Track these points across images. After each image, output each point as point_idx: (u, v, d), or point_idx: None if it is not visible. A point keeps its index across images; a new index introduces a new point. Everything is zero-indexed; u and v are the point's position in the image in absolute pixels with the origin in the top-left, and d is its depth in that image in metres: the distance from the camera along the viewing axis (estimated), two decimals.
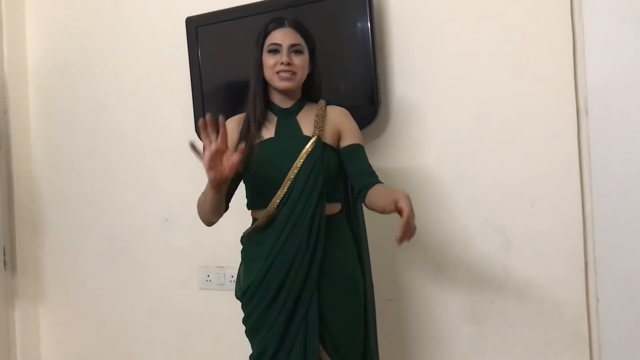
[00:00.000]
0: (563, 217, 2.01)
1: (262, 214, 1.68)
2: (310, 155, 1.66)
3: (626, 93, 1.92)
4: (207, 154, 1.46)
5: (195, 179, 2.54)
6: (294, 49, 1.69)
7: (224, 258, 2.50)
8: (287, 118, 1.74)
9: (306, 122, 1.73)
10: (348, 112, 1.79)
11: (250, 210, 1.81)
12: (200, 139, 1.51)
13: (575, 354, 2.01)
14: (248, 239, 1.78)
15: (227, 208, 1.74)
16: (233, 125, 1.77)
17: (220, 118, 1.46)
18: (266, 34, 1.72)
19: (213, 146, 1.46)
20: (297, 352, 1.64)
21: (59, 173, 2.95)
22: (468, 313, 2.14)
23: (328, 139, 1.72)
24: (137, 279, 2.77)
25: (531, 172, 2.04)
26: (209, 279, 2.58)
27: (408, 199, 1.43)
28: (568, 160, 2.00)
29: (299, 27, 1.72)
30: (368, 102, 2.14)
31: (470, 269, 2.14)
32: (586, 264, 1.99)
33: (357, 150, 1.74)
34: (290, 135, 1.71)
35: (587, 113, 1.97)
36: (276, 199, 1.65)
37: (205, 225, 1.76)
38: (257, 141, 1.71)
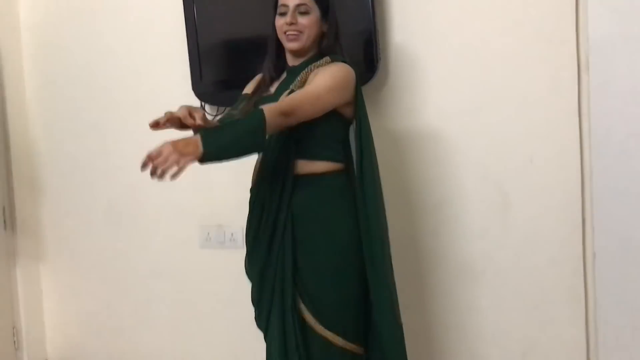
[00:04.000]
0: (561, 173, 2.02)
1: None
2: (275, 94, 1.73)
3: (627, 50, 1.91)
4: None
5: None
6: (300, 10, 1.71)
7: (224, 216, 2.50)
8: (292, 75, 1.77)
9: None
10: (340, 68, 1.73)
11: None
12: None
13: (571, 310, 2.04)
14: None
15: None
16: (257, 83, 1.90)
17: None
18: None
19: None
20: (274, 294, 1.73)
21: (56, 131, 2.92)
22: (466, 269, 2.17)
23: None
24: (137, 237, 2.77)
25: (531, 127, 2.04)
26: (209, 237, 2.59)
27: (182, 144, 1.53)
28: (568, 116, 2.00)
29: None
30: (367, 57, 2.12)
31: (468, 226, 2.16)
32: (584, 220, 2.01)
33: (300, 91, 1.69)
34: (282, 90, 1.75)
35: (588, 69, 1.95)
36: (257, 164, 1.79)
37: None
38: (263, 95, 1.81)
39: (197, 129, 1.62)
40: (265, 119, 1.53)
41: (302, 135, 1.70)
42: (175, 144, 1.50)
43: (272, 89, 1.82)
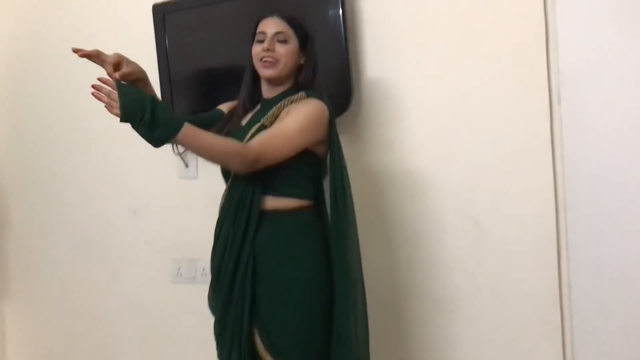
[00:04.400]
0: (536, 205, 2.01)
1: None
2: (248, 141, 1.64)
3: (598, 81, 1.92)
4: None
5: (164, 170, 2.51)
6: (279, 38, 1.69)
7: (195, 250, 2.45)
8: (265, 108, 1.73)
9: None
10: (314, 106, 1.68)
11: None
12: None
13: (548, 342, 2.02)
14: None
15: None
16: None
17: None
18: (257, 24, 1.74)
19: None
20: (232, 338, 1.66)
21: (23, 163, 2.87)
22: (442, 302, 2.14)
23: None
24: (107, 272, 2.71)
25: (504, 160, 2.04)
26: (179, 272, 2.54)
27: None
28: (541, 148, 2.00)
29: (287, 17, 1.72)
30: (341, 90, 2.11)
31: (444, 258, 2.14)
32: (559, 252, 2.00)
33: (273, 128, 1.65)
34: (253, 123, 1.71)
35: (560, 101, 1.96)
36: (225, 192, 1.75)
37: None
38: (234, 126, 1.78)
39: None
40: (182, 131, 1.52)
41: (269, 172, 1.64)
42: (113, 93, 1.54)
43: (244, 121, 1.78)
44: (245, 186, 1.67)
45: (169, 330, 2.58)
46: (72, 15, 2.74)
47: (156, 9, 2.40)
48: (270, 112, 1.68)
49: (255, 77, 1.78)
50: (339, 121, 2.11)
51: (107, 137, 2.66)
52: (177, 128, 1.51)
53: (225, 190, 1.75)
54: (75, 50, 1.60)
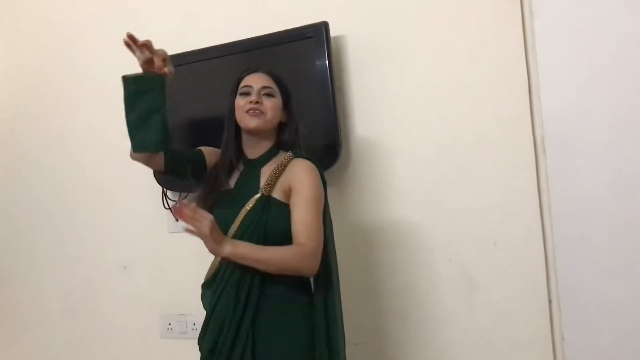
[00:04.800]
0: (525, 255, 2.01)
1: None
2: (250, 212, 1.61)
3: (582, 130, 1.95)
4: (140, 62, 1.59)
5: (154, 224, 2.51)
6: (265, 92, 1.70)
7: (185, 305, 2.43)
8: (252, 169, 1.72)
9: (267, 173, 1.68)
10: (311, 166, 1.68)
11: None
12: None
13: None
14: (202, 288, 1.76)
15: (165, 168, 1.71)
16: (215, 152, 1.81)
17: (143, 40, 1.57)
18: (240, 79, 1.75)
19: (145, 55, 1.57)
20: None
21: (12, 220, 2.86)
22: (435, 355, 2.12)
23: (279, 193, 1.65)
24: (96, 329, 2.67)
25: (492, 211, 2.05)
26: (170, 327, 2.51)
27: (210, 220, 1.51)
28: (528, 198, 2.01)
29: (272, 74, 1.75)
30: (329, 143, 2.13)
31: (436, 310, 2.12)
32: (550, 301, 1.99)
33: (299, 209, 1.62)
34: (246, 189, 1.67)
35: (545, 151, 1.99)
36: (215, 260, 1.66)
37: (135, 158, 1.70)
38: (221, 189, 1.71)
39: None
40: (236, 252, 1.54)
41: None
42: (212, 228, 1.51)
43: (232, 182, 1.73)
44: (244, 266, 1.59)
45: None
46: (68, 67, 2.79)
47: None
48: (266, 181, 1.64)
49: (237, 133, 1.76)
50: (327, 174, 2.13)
51: (98, 193, 2.67)
52: (150, 147, 1.60)
53: (218, 259, 1.65)
54: (130, 36, 1.56)
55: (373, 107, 2.21)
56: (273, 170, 1.66)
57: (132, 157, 1.68)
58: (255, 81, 1.71)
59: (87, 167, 2.70)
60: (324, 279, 1.68)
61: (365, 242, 2.20)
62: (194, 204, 1.55)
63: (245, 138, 1.75)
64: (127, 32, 1.55)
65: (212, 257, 1.73)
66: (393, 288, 2.17)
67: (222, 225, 1.60)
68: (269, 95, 1.70)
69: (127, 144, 2.56)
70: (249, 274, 1.59)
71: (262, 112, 1.67)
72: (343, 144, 2.18)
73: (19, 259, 2.83)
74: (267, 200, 1.63)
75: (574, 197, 1.96)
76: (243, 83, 1.72)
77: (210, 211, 1.62)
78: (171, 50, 2.38)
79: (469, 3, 2.10)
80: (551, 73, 2.00)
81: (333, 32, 2.16)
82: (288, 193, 1.65)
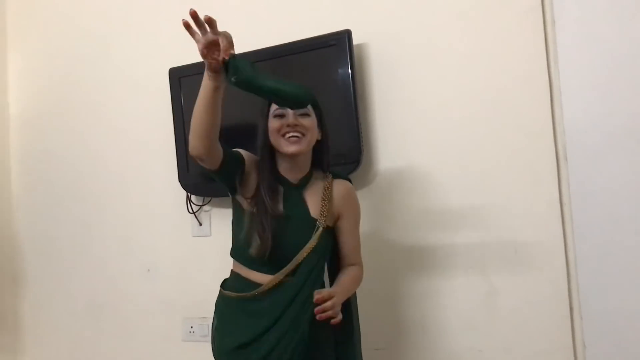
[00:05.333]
0: (546, 262, 2.01)
1: (265, 279, 1.64)
2: (316, 247, 1.64)
3: (604, 138, 1.95)
4: (201, 46, 1.41)
5: (178, 228, 2.55)
6: (300, 112, 1.63)
7: (207, 309, 2.43)
8: (295, 192, 1.69)
9: (312, 197, 1.69)
10: (353, 189, 1.78)
11: (233, 260, 1.77)
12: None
13: None
14: (229, 302, 1.73)
15: (220, 165, 1.59)
16: (252, 161, 1.72)
17: (206, 16, 1.38)
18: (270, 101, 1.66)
19: (208, 37, 1.40)
20: None
21: (40, 224, 2.92)
22: None
23: (330, 220, 1.69)
24: (119, 331, 2.71)
25: (513, 219, 2.05)
26: (192, 330, 2.54)
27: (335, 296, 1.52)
28: (549, 206, 2.01)
29: None
30: (351, 151, 2.15)
31: (457, 317, 2.12)
32: (571, 309, 1.99)
33: (351, 234, 1.76)
34: (297, 216, 1.66)
35: (567, 159, 1.99)
36: (276, 278, 1.62)
37: (194, 156, 1.55)
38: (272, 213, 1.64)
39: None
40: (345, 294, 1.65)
41: (321, 267, 1.71)
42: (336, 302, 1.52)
43: (275, 204, 1.65)
44: (312, 282, 1.64)
45: None
46: (90, 77, 2.84)
47: (172, 72, 2.49)
48: (320, 208, 1.67)
49: (272, 155, 1.69)
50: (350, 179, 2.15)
51: (122, 198, 2.72)
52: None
53: (296, 285, 1.63)
54: (193, 13, 1.37)
55: (395, 115, 2.23)
56: (323, 197, 1.69)
57: (197, 147, 1.53)
58: None
59: (113, 171, 2.75)
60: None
61: (385, 249, 2.21)
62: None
63: (281, 159, 1.69)
64: (191, 9, 1.37)
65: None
66: (413, 294, 2.18)
67: (282, 248, 1.62)
68: (305, 115, 1.64)
69: (153, 148, 2.63)
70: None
71: (301, 135, 1.62)
72: (364, 151, 2.20)
73: (46, 262, 2.89)
74: (326, 232, 1.67)
75: (595, 204, 1.95)
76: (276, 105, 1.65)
77: (274, 237, 1.60)
78: (194, 58, 2.43)
79: (490, 12, 2.11)
80: (573, 81, 2.00)
81: (356, 40, 2.19)
82: (336, 218, 1.72)
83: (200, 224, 2.51)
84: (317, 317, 1.49)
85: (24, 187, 2.97)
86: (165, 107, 2.52)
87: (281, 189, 1.68)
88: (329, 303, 1.49)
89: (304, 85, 1.52)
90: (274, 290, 1.62)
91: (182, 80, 2.47)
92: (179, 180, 2.48)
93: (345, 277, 1.70)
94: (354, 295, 1.83)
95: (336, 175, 1.76)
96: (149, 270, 2.65)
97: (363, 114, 2.24)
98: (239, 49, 2.32)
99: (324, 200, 1.68)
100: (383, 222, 2.22)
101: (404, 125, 2.22)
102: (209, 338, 2.42)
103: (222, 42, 1.40)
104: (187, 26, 1.40)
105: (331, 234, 1.72)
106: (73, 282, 2.81)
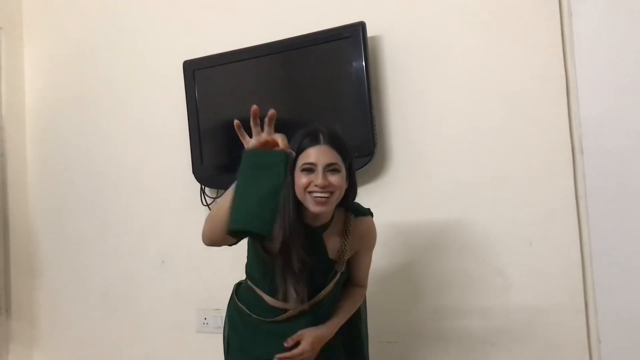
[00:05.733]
0: (562, 256, 2.00)
1: (281, 305, 1.65)
2: (332, 290, 1.66)
3: (620, 131, 1.94)
4: (256, 142, 1.31)
5: (192, 220, 2.56)
6: (330, 168, 1.53)
7: (221, 300, 2.45)
8: (314, 234, 1.62)
9: (332, 238, 1.66)
10: (373, 225, 1.74)
11: (248, 278, 1.78)
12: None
13: None
14: (246, 320, 1.74)
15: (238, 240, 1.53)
16: None
17: (271, 111, 1.30)
18: (300, 150, 1.54)
19: (264, 136, 1.30)
20: None
21: (55, 216, 2.95)
22: (469, 355, 2.11)
23: (348, 256, 1.70)
24: (134, 322, 2.74)
25: (528, 211, 2.04)
26: (206, 321, 2.55)
27: (310, 341, 1.59)
28: (565, 199, 2.00)
29: (336, 143, 1.55)
30: (364, 143, 2.15)
31: (470, 310, 2.12)
32: (586, 304, 1.98)
33: (364, 263, 1.78)
34: (317, 259, 1.62)
35: (582, 152, 1.97)
36: (289, 313, 1.64)
37: (205, 243, 1.56)
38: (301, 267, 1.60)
39: None
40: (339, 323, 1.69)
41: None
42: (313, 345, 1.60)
43: (305, 257, 1.59)
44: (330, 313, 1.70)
45: None
46: (104, 70, 2.86)
47: (187, 65, 2.50)
48: (338, 252, 1.66)
49: (297, 206, 1.58)
50: (363, 172, 2.15)
51: (136, 190, 2.74)
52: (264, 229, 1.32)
53: (313, 320, 1.66)
54: (255, 110, 1.30)
55: (408, 107, 2.22)
56: (343, 239, 1.66)
57: (212, 238, 1.52)
58: (319, 157, 1.52)
59: (127, 164, 2.77)
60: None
61: (399, 241, 2.21)
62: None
63: (304, 210, 1.58)
64: (254, 107, 1.30)
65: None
66: (427, 287, 2.17)
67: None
68: (334, 170, 1.53)
69: (167, 141, 2.64)
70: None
71: (329, 194, 1.52)
72: (378, 143, 2.20)
73: (61, 253, 2.92)
74: (343, 274, 1.69)
75: (611, 198, 1.94)
76: (304, 158, 1.53)
77: (305, 277, 1.59)
78: (208, 51, 2.46)
79: (506, 4, 2.09)
80: (589, 74, 1.98)
81: (370, 32, 2.18)
82: (354, 252, 1.71)
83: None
84: None
85: (40, 179, 3.00)
86: (180, 99, 2.53)
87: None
88: (296, 351, 1.57)
89: (265, 213, 1.29)
90: (293, 319, 1.65)
91: (196, 73, 2.47)
92: (193, 173, 2.49)
93: (345, 303, 1.73)
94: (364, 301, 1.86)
95: (357, 211, 1.71)
96: (163, 262, 2.66)
97: (377, 107, 2.23)
98: (253, 41, 2.36)
99: (344, 240, 1.66)
100: (396, 215, 2.22)
101: (417, 118, 2.21)
102: (222, 330, 2.46)
103: (282, 142, 1.30)
104: (238, 127, 1.34)
105: (347, 269, 1.73)
106: (88, 273, 2.84)
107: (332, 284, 1.65)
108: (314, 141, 1.54)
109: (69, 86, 2.95)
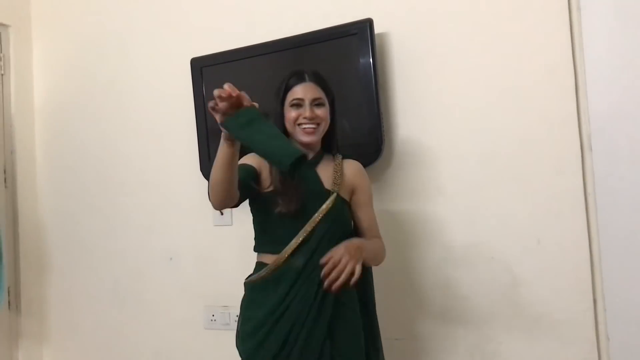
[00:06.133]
0: (570, 253, 1.99)
1: (273, 259, 1.68)
2: (330, 211, 1.69)
3: (629, 128, 1.92)
4: (224, 109, 1.43)
5: (200, 217, 2.57)
6: (316, 102, 1.74)
7: (229, 297, 2.48)
8: (308, 169, 1.74)
9: (325, 174, 1.76)
10: (362, 168, 1.86)
11: (256, 254, 1.80)
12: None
13: None
14: (253, 287, 1.76)
15: (238, 201, 1.66)
16: (257, 160, 1.74)
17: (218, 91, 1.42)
18: (287, 88, 1.75)
19: (224, 105, 1.42)
20: None
21: (64, 213, 2.96)
22: (476, 353, 2.11)
23: (344, 193, 1.77)
24: (142, 318, 2.75)
25: (537, 208, 2.03)
26: (213, 318, 2.56)
27: (344, 248, 1.54)
28: (573, 196, 1.99)
29: (320, 81, 1.77)
30: (372, 140, 2.15)
31: (478, 307, 2.11)
32: (595, 301, 1.97)
33: (366, 207, 1.82)
34: (312, 187, 1.73)
35: (591, 149, 1.96)
36: (289, 248, 1.66)
37: (215, 207, 1.65)
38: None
39: None
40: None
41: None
42: (348, 248, 1.55)
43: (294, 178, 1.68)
44: (326, 247, 1.63)
45: None
46: (113, 68, 2.87)
47: (194, 62, 2.50)
48: (333, 180, 1.74)
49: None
50: (370, 169, 2.15)
51: (144, 187, 2.75)
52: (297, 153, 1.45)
53: (306, 252, 1.67)
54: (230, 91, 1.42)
55: (416, 104, 2.21)
56: (334, 171, 1.77)
57: (219, 203, 1.62)
58: (306, 93, 1.73)
59: (135, 161, 2.78)
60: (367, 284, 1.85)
61: (406, 238, 2.21)
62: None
63: (295, 143, 1.75)
64: (228, 85, 1.42)
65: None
66: (434, 284, 2.17)
67: (295, 220, 1.67)
68: (319, 104, 1.74)
69: (175, 138, 2.65)
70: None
71: (316, 126, 1.73)
72: (386, 141, 2.19)
73: (71, 249, 2.93)
74: (341, 199, 1.75)
75: (620, 195, 1.93)
76: (293, 94, 1.74)
77: (299, 198, 1.67)
78: (216, 48, 2.46)
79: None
80: (599, 70, 1.97)
81: (377, 29, 2.17)
82: (350, 192, 1.80)
83: (222, 213, 2.52)
84: (326, 287, 1.51)
85: (49, 176, 3.02)
86: (187, 97, 2.53)
87: None
88: (338, 266, 1.50)
89: (290, 145, 1.47)
90: (292, 258, 1.66)
91: (204, 70, 2.48)
92: (201, 170, 2.50)
93: (368, 241, 1.73)
94: (372, 289, 1.87)
95: (344, 156, 1.85)
96: (171, 258, 2.67)
97: (384, 103, 2.23)
98: (261, 39, 2.36)
99: (336, 173, 1.76)
100: (404, 211, 2.22)
101: (425, 114, 2.20)
102: (231, 326, 2.48)
103: (245, 100, 1.43)
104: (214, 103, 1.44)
105: (346, 206, 1.77)
106: (97, 269, 2.86)
107: (329, 201, 1.70)
108: (300, 79, 1.75)
109: (78, 84, 2.96)
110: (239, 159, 1.62)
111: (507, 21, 2.09)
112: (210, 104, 1.45)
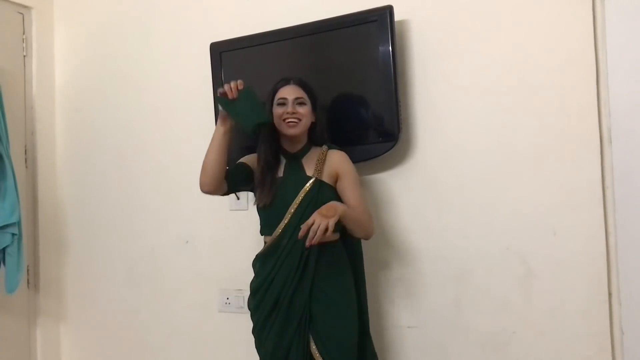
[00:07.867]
0: (586, 246, 1.98)
1: (269, 239, 1.97)
2: (308, 193, 1.93)
3: None
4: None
5: (216, 202, 2.58)
6: (298, 101, 1.99)
7: (243, 281, 2.47)
8: (294, 161, 2.03)
9: (309, 164, 2.00)
10: (346, 155, 2.03)
11: (262, 236, 2.04)
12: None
13: None
14: (257, 260, 2.06)
15: (227, 191, 2.02)
16: (253, 158, 2.07)
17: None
18: (275, 90, 2.03)
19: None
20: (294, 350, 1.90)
21: (83, 194, 3.00)
22: (488, 343, 2.11)
23: (327, 178, 1.98)
24: (158, 300, 2.78)
25: (554, 200, 2.02)
26: (228, 301, 2.59)
27: (317, 212, 1.77)
28: (591, 189, 1.98)
29: (302, 84, 2.03)
30: (389, 127, 2.15)
31: (491, 297, 2.11)
32: (610, 294, 1.96)
33: (351, 189, 1.97)
34: (295, 175, 1.99)
35: (611, 142, 1.95)
36: (278, 229, 1.94)
37: (204, 192, 1.98)
38: (274, 177, 2.01)
39: None
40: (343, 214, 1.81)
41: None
42: (321, 211, 1.77)
43: (279, 172, 2.02)
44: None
45: (216, 358, 2.63)
46: (133, 51, 2.88)
47: (213, 47, 2.51)
48: (315, 167, 1.98)
49: (274, 135, 2.03)
50: (387, 157, 2.15)
51: (162, 171, 2.77)
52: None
53: (289, 231, 1.93)
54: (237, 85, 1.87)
55: (435, 92, 2.21)
56: (317, 160, 1.99)
57: (206, 184, 1.96)
58: (289, 93, 1.99)
59: (153, 145, 2.80)
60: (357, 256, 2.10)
61: (421, 227, 2.21)
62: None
63: (283, 138, 2.04)
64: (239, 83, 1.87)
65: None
66: (448, 273, 2.17)
67: (283, 205, 1.94)
68: (302, 103, 2.00)
69: (192, 122, 2.66)
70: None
71: (298, 120, 1.97)
72: (403, 128, 2.19)
73: (88, 231, 2.97)
74: (319, 183, 1.96)
75: (638, 189, 1.91)
76: (278, 95, 2.01)
77: (270, 192, 1.97)
78: (235, 34, 2.46)
79: None
80: (620, 61, 1.95)
81: (397, 16, 2.16)
82: (334, 177, 1.99)
83: (238, 198, 2.54)
84: (307, 244, 1.72)
85: (69, 157, 3.05)
86: (206, 81, 2.54)
87: (283, 159, 2.04)
88: (312, 226, 1.70)
89: (263, 115, 1.88)
90: (279, 237, 1.94)
91: (223, 55, 2.48)
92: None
93: (349, 208, 1.89)
94: (361, 262, 2.09)
95: (331, 147, 2.05)
96: (187, 242, 2.70)
97: (402, 91, 2.22)
98: (280, 24, 2.35)
99: (318, 160, 1.99)
100: (419, 199, 2.22)
101: (443, 103, 2.20)
102: (244, 310, 2.49)
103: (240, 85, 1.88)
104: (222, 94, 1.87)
105: (329, 189, 1.97)
106: (114, 251, 2.89)
107: (308, 184, 1.93)
108: (286, 82, 2.03)
109: (98, 66, 2.99)
110: (239, 159, 2.06)
111: (528, 12, 2.07)
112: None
